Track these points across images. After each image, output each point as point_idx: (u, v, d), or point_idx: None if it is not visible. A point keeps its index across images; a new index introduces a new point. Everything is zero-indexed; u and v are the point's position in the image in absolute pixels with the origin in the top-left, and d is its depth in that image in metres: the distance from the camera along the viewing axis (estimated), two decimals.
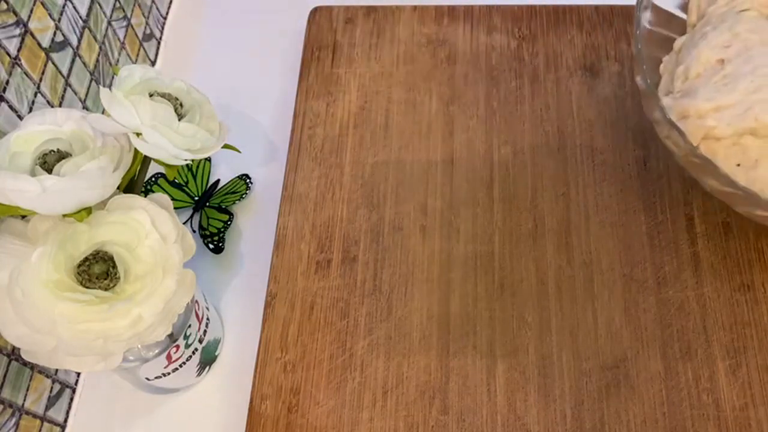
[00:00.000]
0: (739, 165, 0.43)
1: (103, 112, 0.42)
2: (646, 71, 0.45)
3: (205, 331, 0.51)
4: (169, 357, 0.48)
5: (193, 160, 0.43)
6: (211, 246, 0.59)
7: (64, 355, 0.39)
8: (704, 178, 0.43)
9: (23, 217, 0.40)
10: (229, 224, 0.60)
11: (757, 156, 0.43)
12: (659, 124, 0.44)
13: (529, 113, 0.61)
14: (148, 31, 0.69)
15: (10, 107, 0.47)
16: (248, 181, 0.62)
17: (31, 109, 0.49)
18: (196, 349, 0.51)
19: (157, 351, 0.47)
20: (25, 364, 0.47)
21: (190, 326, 0.49)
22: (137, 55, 0.67)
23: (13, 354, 0.46)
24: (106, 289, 0.38)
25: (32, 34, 0.50)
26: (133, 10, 0.66)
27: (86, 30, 0.57)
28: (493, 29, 0.66)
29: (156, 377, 0.50)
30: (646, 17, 0.49)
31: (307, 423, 0.49)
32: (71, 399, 0.53)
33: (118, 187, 0.41)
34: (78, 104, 0.56)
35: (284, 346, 0.52)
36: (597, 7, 0.66)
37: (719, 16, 0.48)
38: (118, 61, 0.63)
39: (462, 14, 0.67)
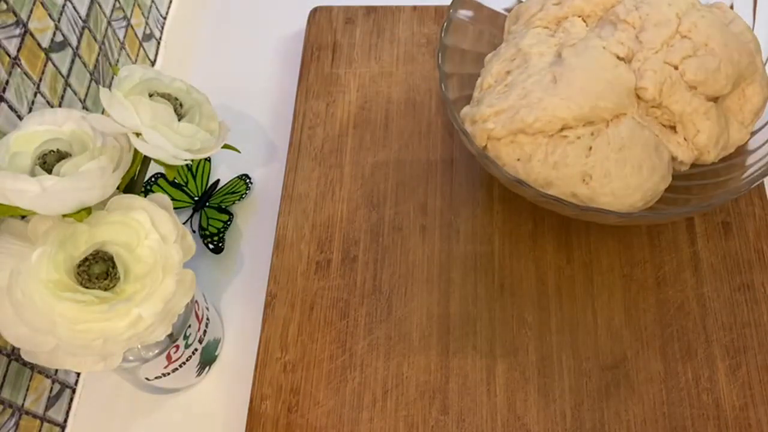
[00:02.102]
0: (518, 160, 0.49)
1: (103, 112, 0.42)
2: (448, 86, 0.50)
3: (205, 331, 0.51)
4: (169, 357, 0.48)
5: (192, 160, 0.43)
6: (211, 246, 0.59)
7: (64, 355, 0.39)
8: (496, 174, 0.48)
9: (23, 217, 0.40)
10: (229, 224, 0.60)
11: (530, 151, 0.48)
12: (458, 132, 0.48)
13: None
14: (147, 32, 0.69)
15: (10, 107, 0.47)
16: (248, 181, 0.62)
17: (30, 109, 0.49)
18: (196, 349, 0.51)
19: (157, 351, 0.47)
20: (25, 364, 0.47)
21: (189, 326, 0.49)
22: (137, 55, 0.67)
23: (13, 354, 0.46)
24: (105, 289, 0.38)
25: (32, 34, 0.50)
26: (132, 11, 0.66)
27: (86, 30, 0.57)
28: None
29: (156, 377, 0.50)
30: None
31: (307, 423, 0.49)
32: (71, 399, 0.53)
33: (118, 187, 0.41)
34: (78, 104, 0.56)
35: (284, 346, 0.52)
36: None
37: (514, 33, 0.54)
38: (117, 61, 0.63)
39: None
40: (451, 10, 0.54)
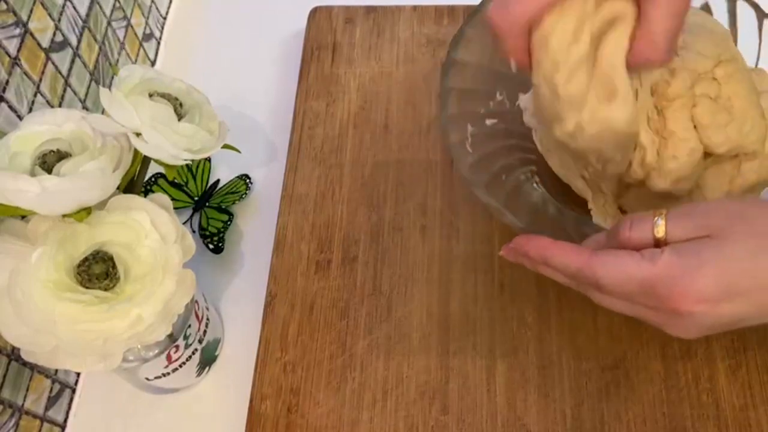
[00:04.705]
0: None
1: (103, 112, 0.42)
2: (449, 101, 0.50)
3: (204, 331, 0.51)
4: (169, 357, 0.48)
5: (192, 161, 0.43)
6: (211, 246, 0.59)
7: (64, 355, 0.39)
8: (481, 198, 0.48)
9: (23, 217, 0.40)
10: (229, 224, 0.60)
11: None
12: (448, 149, 0.50)
13: None
14: (147, 31, 0.69)
15: (10, 107, 0.47)
16: (248, 181, 0.62)
17: (30, 109, 0.49)
18: (196, 349, 0.51)
19: (156, 351, 0.47)
20: (25, 364, 0.47)
21: (189, 326, 0.49)
22: (137, 55, 0.67)
23: (13, 354, 0.46)
24: (105, 290, 0.38)
25: (32, 35, 0.50)
26: (132, 10, 0.66)
27: (86, 30, 0.57)
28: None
29: (156, 377, 0.50)
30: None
31: (307, 423, 0.49)
32: (71, 399, 0.53)
33: (117, 187, 0.41)
34: (78, 104, 0.56)
35: (284, 346, 0.52)
36: None
37: None
38: (117, 61, 0.63)
39: (462, 14, 0.67)
40: (464, 27, 0.52)
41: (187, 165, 0.61)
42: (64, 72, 0.54)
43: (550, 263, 0.40)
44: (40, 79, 0.50)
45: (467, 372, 0.50)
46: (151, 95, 0.42)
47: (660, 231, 0.37)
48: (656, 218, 0.38)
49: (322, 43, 0.67)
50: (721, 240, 0.36)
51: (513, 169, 0.53)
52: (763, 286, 0.35)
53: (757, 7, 0.51)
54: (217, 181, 0.63)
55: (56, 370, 0.51)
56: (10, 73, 0.47)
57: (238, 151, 0.48)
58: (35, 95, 0.50)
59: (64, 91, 0.54)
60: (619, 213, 0.52)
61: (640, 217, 0.39)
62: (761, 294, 0.35)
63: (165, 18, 0.73)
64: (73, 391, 0.54)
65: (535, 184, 0.54)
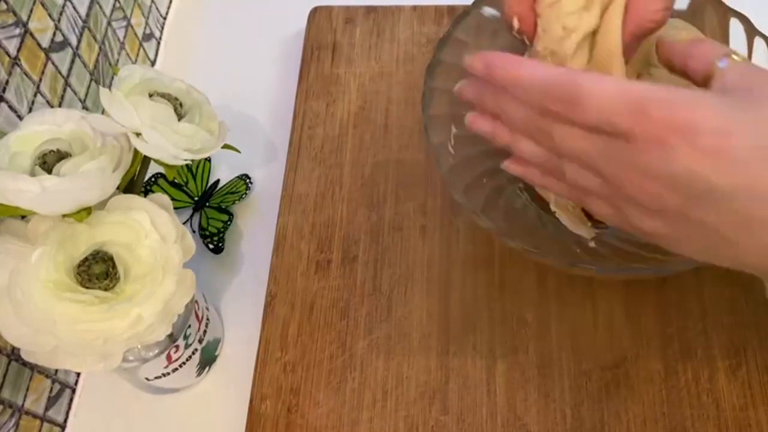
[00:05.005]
0: None
1: (103, 112, 0.42)
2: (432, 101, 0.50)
3: (204, 331, 0.51)
4: (169, 357, 0.48)
5: (192, 161, 0.43)
6: (211, 246, 0.59)
7: (64, 355, 0.39)
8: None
9: (23, 217, 0.40)
10: (229, 224, 0.60)
11: None
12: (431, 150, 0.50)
13: None
14: (147, 31, 0.69)
15: (10, 107, 0.47)
16: (248, 181, 0.62)
17: (30, 110, 0.49)
18: (196, 349, 0.51)
19: (156, 351, 0.47)
20: (25, 364, 0.47)
21: (189, 326, 0.49)
22: (137, 55, 0.67)
23: (13, 354, 0.46)
24: (105, 290, 0.38)
25: (32, 35, 0.50)
26: (132, 10, 0.66)
27: (86, 30, 0.57)
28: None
29: (156, 377, 0.50)
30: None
31: (307, 423, 0.49)
32: (71, 399, 0.53)
33: (118, 187, 0.41)
34: (78, 104, 0.56)
35: (284, 346, 0.52)
36: None
37: None
38: (117, 61, 0.63)
39: None
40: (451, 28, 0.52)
41: (187, 165, 0.61)
42: (64, 72, 0.54)
43: (523, 76, 0.35)
44: (40, 79, 0.50)
45: (467, 372, 0.50)
46: (151, 95, 0.42)
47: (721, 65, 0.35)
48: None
49: (322, 43, 0.67)
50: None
51: (495, 174, 0.53)
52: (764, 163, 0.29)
53: (748, 23, 0.51)
54: (217, 181, 0.63)
55: (56, 370, 0.51)
56: (10, 73, 0.47)
57: (238, 151, 0.48)
58: (35, 95, 0.50)
59: (64, 91, 0.54)
60: (584, 216, 0.51)
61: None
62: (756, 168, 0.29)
63: (165, 18, 0.73)
64: (73, 391, 0.54)
65: (518, 190, 0.54)
